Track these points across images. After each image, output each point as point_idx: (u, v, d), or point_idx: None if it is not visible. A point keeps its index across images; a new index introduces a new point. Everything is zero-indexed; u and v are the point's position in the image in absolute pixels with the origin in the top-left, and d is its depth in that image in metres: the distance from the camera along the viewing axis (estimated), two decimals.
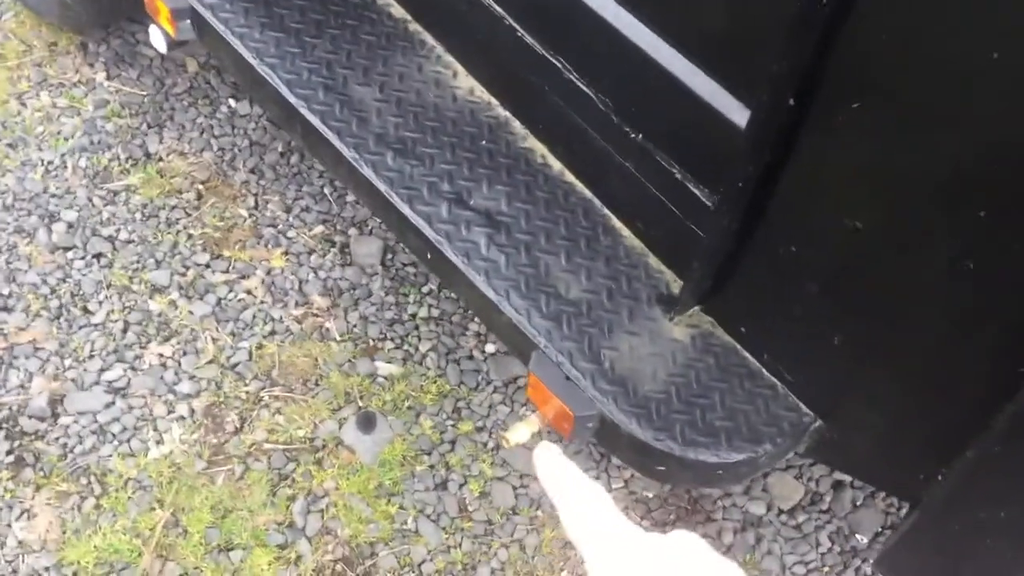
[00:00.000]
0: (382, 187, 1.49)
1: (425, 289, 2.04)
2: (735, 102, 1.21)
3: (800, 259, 1.21)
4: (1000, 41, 0.87)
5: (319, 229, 2.09)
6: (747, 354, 1.38)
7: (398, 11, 1.71)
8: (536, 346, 1.37)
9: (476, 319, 2.01)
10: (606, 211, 1.51)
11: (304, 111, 1.55)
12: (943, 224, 1.03)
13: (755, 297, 1.33)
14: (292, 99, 1.56)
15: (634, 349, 1.38)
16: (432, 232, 1.45)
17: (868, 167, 1.07)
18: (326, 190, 2.14)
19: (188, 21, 1.67)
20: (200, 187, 2.10)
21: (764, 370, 1.36)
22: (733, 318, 1.38)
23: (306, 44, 1.63)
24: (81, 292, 1.90)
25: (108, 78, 2.22)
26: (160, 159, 2.12)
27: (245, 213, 2.08)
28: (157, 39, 1.75)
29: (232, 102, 2.24)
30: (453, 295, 2.03)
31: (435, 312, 2.01)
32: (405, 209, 1.47)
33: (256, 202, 2.10)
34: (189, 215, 2.06)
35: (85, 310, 1.89)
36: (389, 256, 2.07)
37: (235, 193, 2.11)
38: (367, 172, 1.50)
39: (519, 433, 1.37)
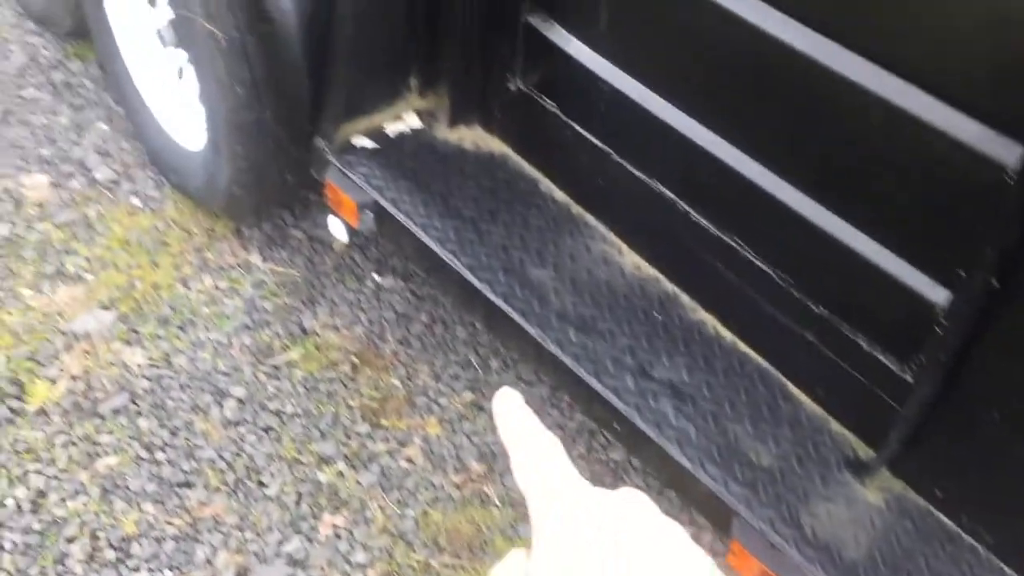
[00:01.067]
0: (569, 362, 1.58)
1: (574, 452, 2.10)
2: (927, 279, 1.30)
3: (1004, 424, 1.27)
4: None
5: (468, 395, 2.18)
6: (944, 517, 1.42)
7: (561, 196, 1.85)
8: (736, 513, 1.42)
9: (627, 479, 2.06)
10: (782, 379, 1.59)
11: (488, 293, 1.67)
12: None
13: (952, 462, 1.38)
14: (476, 283, 1.68)
15: (832, 514, 1.43)
16: (622, 404, 1.53)
17: None
18: (471, 358, 2.25)
19: (369, 213, 1.82)
20: (354, 359, 2.21)
21: (963, 533, 1.40)
22: (927, 482, 1.43)
23: (482, 231, 1.76)
24: (255, 465, 2.00)
25: (263, 260, 2.38)
26: (316, 334, 2.25)
27: (398, 383, 2.18)
28: (337, 229, 1.90)
29: (376, 277, 2.38)
30: (603, 456, 2.10)
31: (586, 474, 2.07)
32: (594, 383, 1.56)
33: (407, 372, 2.21)
34: (347, 387, 2.16)
35: (260, 483, 1.97)
36: None
37: (387, 364, 2.22)
38: (553, 349, 1.60)
39: None
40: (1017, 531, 1.35)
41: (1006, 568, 1.37)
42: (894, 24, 1.22)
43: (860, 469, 1.47)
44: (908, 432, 1.37)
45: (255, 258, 2.38)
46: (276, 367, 2.18)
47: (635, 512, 0.46)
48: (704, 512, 1.51)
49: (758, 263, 1.51)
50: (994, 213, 1.14)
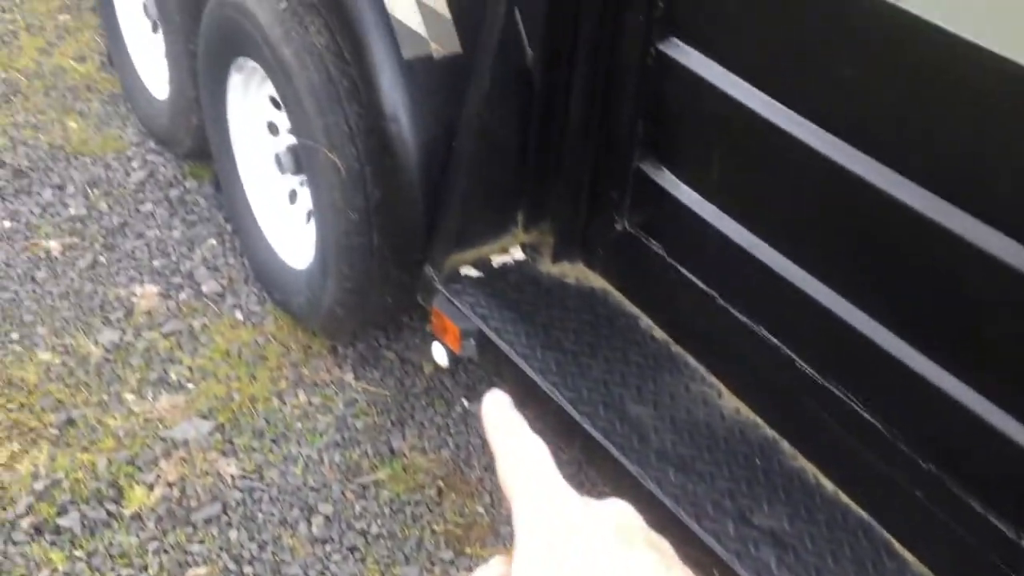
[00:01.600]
0: (668, 503, 1.58)
1: None
2: None
3: None
4: None
5: None
6: None
7: (660, 334, 1.88)
8: None
9: None
10: (887, 535, 1.56)
11: (588, 427, 1.68)
12: None
13: None
14: (576, 416, 1.70)
15: None
16: (722, 550, 1.52)
17: None
18: None
19: (472, 341, 1.87)
20: (440, 483, 2.23)
21: None
22: None
23: (583, 364, 1.80)
24: None
25: (356, 378, 2.43)
26: (404, 455, 2.28)
27: (482, 510, 2.18)
28: (439, 354, 1.95)
29: (465, 402, 2.41)
30: None
31: None
32: (693, 526, 1.55)
33: (492, 499, 2.21)
34: (431, 511, 2.17)
35: None
36: None
37: (472, 490, 2.22)
38: (652, 487, 1.60)
39: None
40: None
41: None
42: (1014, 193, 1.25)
43: None
44: None
45: (348, 376, 2.43)
46: (364, 486, 2.20)
47: (621, 523, 0.45)
48: None
49: (866, 415, 1.51)
50: None
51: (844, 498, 1.61)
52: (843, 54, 1.41)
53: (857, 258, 1.48)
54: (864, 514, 1.59)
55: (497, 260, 2.00)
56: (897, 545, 1.55)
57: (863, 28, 1.37)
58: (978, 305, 1.33)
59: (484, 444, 2.31)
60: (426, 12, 1.88)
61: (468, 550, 2.10)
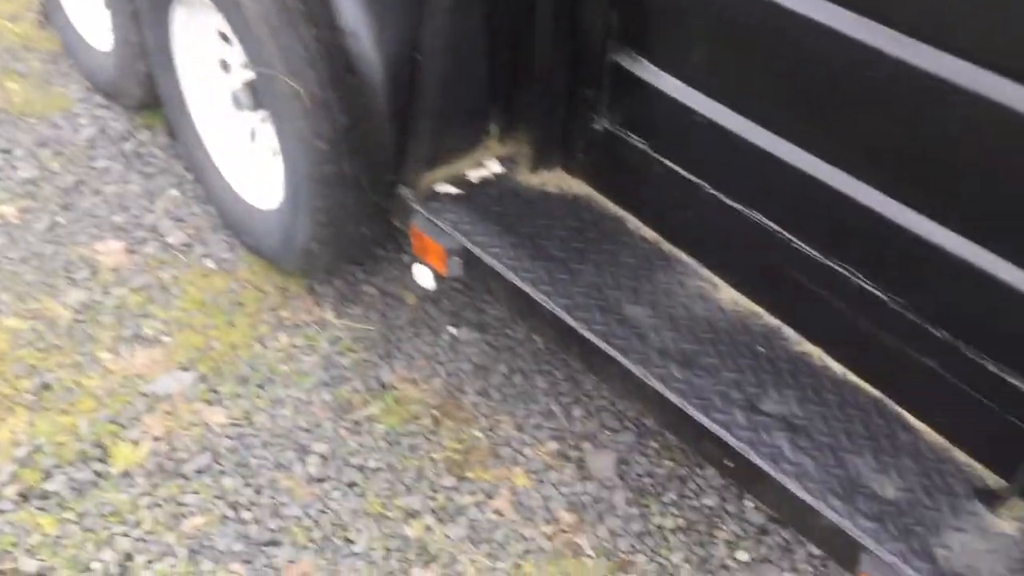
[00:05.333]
0: (674, 399, 1.54)
1: (666, 499, 2.04)
2: None
3: None
4: None
5: (553, 445, 2.13)
6: None
7: (650, 233, 1.83)
8: (864, 548, 1.36)
9: (723, 526, 2.00)
10: (899, 409, 1.54)
11: (586, 332, 1.63)
12: None
13: None
14: (572, 322, 1.65)
15: (964, 545, 1.36)
16: (734, 439, 1.49)
17: None
18: (553, 407, 2.20)
19: (457, 258, 1.81)
20: (435, 412, 2.18)
21: None
22: None
23: (574, 271, 1.74)
24: (341, 522, 1.95)
25: (337, 316, 2.36)
26: (394, 388, 2.22)
27: (480, 434, 2.14)
28: (424, 277, 1.89)
29: (452, 329, 2.35)
30: (695, 503, 2.03)
31: (680, 521, 2.01)
32: (703, 419, 1.51)
33: (489, 423, 2.17)
34: (429, 440, 2.12)
35: (347, 540, 1.92)
36: (623, 467, 2.10)
37: (467, 416, 2.18)
38: (657, 386, 1.56)
39: None
40: None
41: None
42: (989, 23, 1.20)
43: (991, 498, 1.41)
44: None
45: (329, 315, 2.37)
46: (357, 422, 2.15)
47: None
48: (827, 548, 1.45)
49: (871, 289, 1.47)
50: None
51: (853, 378, 1.58)
52: None
53: (854, 126, 1.43)
54: (875, 391, 1.56)
55: (474, 175, 1.93)
56: (911, 418, 1.52)
57: None
58: (984, 162, 1.29)
59: (475, 369, 2.26)
60: None
61: (470, 474, 2.06)
